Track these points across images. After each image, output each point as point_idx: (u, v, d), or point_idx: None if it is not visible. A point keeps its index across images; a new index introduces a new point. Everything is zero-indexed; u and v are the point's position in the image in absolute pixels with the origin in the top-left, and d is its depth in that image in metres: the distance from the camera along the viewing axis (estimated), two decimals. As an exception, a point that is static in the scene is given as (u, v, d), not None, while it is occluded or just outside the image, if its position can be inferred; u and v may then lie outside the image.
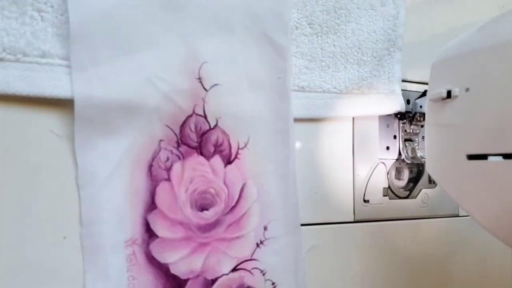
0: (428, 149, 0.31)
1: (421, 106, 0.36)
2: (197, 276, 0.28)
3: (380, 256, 0.37)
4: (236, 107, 0.29)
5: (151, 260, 0.27)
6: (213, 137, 0.29)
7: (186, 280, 0.28)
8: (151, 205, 0.27)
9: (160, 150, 0.28)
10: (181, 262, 0.28)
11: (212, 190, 0.29)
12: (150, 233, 0.27)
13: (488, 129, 0.24)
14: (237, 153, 0.30)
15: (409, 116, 0.37)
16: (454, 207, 0.40)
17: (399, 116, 0.37)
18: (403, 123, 0.37)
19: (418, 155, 0.37)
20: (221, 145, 0.29)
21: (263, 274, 0.30)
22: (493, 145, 0.24)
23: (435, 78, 0.30)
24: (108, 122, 0.26)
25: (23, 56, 0.25)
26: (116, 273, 0.26)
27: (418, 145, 0.37)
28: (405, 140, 0.37)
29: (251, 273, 0.30)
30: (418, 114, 0.36)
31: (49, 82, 0.25)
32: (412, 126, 0.37)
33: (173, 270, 0.28)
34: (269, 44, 0.30)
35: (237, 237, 0.30)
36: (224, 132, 0.29)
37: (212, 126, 0.29)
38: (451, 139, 0.27)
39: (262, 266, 0.30)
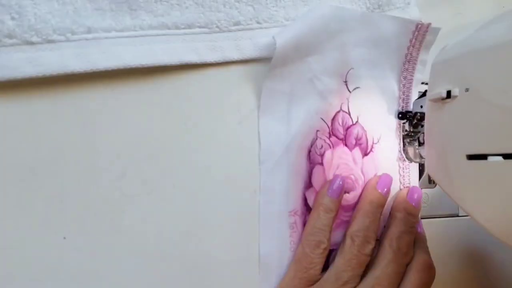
0: (428, 149, 0.31)
1: (421, 106, 0.36)
2: None
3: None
4: (372, 108, 0.35)
5: None
6: (355, 131, 0.35)
7: (331, 250, 0.33)
8: (308, 184, 0.33)
9: (316, 139, 0.34)
10: None
11: (352, 177, 0.34)
12: (307, 207, 0.33)
13: (488, 129, 0.24)
14: (372, 147, 0.36)
15: (410, 116, 0.37)
16: (454, 207, 0.40)
17: (399, 116, 0.37)
18: (404, 123, 0.37)
19: (418, 155, 0.37)
20: (360, 138, 0.35)
21: None
22: (493, 145, 0.24)
23: (435, 78, 0.30)
24: (282, 110, 0.32)
25: (71, 35, 0.26)
26: (281, 236, 0.32)
27: (418, 145, 0.37)
28: (405, 140, 0.37)
29: None
30: (418, 114, 0.36)
31: (100, 55, 0.26)
32: (412, 126, 0.37)
33: None
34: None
35: None
36: (363, 128, 0.35)
37: (354, 122, 0.35)
38: (451, 139, 0.27)
39: None
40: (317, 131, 0.33)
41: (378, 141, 0.36)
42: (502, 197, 0.24)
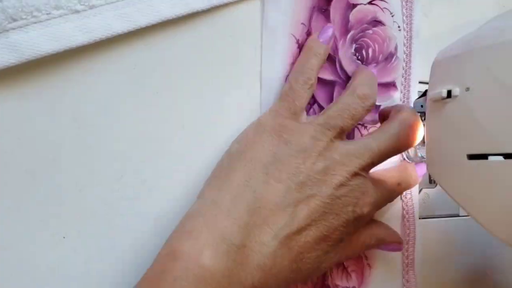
0: (428, 149, 0.31)
1: (422, 106, 0.36)
2: None
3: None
4: None
5: None
6: None
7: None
8: None
9: None
10: None
11: None
12: None
13: (488, 129, 0.24)
14: None
15: (410, 116, 0.36)
16: (454, 207, 0.40)
17: (399, 115, 0.37)
18: (404, 123, 0.37)
19: (419, 155, 0.37)
20: None
21: (392, 16, 0.36)
22: (494, 145, 0.24)
23: (435, 78, 0.30)
24: None
25: None
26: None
27: (418, 145, 0.37)
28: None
29: (383, 11, 0.36)
30: (419, 114, 0.36)
31: (139, 12, 0.27)
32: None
33: None
34: None
35: None
36: None
37: None
38: (451, 139, 0.27)
39: None
40: None
41: None
42: (502, 197, 0.24)
